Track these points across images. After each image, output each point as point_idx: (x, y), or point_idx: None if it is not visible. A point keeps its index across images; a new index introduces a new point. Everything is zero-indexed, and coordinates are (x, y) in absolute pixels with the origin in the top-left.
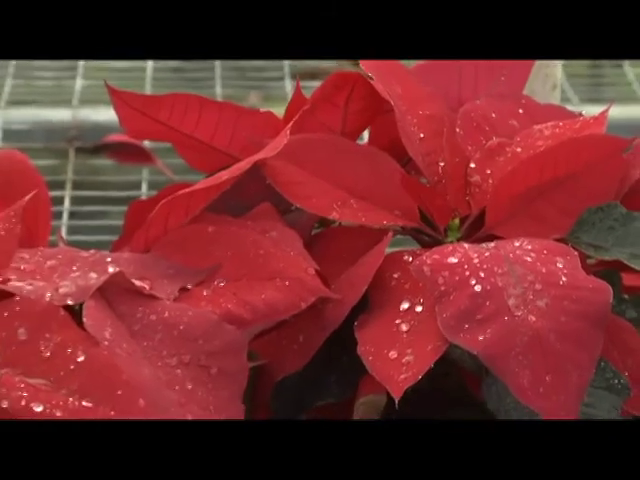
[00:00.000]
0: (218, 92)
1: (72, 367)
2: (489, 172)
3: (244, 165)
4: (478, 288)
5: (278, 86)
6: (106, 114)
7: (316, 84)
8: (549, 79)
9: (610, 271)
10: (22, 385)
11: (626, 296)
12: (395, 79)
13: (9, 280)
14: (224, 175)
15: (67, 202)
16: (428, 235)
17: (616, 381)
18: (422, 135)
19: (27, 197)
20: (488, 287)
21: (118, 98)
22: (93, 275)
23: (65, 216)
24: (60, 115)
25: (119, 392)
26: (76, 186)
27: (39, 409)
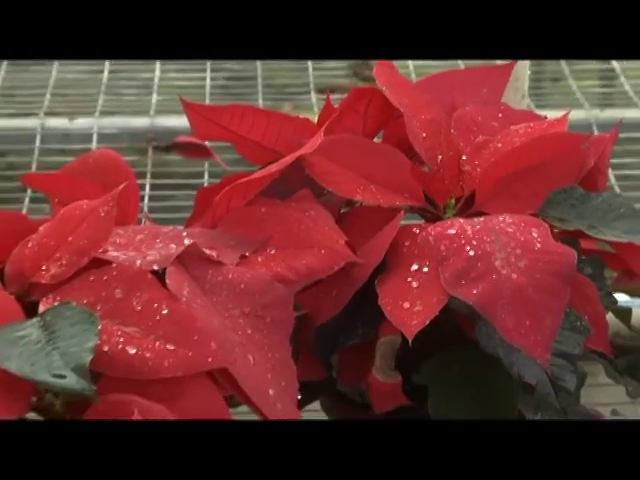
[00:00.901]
0: (260, 103)
1: (158, 318)
2: (477, 163)
3: (288, 160)
4: (472, 253)
5: (306, 98)
6: (175, 121)
7: (334, 97)
8: (519, 90)
9: (571, 238)
10: (119, 333)
11: (583, 257)
12: (403, 91)
13: (107, 251)
14: (273, 167)
15: (147, 188)
16: (430, 212)
17: (579, 323)
18: (424, 134)
19: (120, 187)
20: (479, 252)
21: (190, 108)
22: (173, 246)
23: (146, 199)
24: (141, 122)
25: (195, 337)
26: (153, 176)
27: (133, 351)
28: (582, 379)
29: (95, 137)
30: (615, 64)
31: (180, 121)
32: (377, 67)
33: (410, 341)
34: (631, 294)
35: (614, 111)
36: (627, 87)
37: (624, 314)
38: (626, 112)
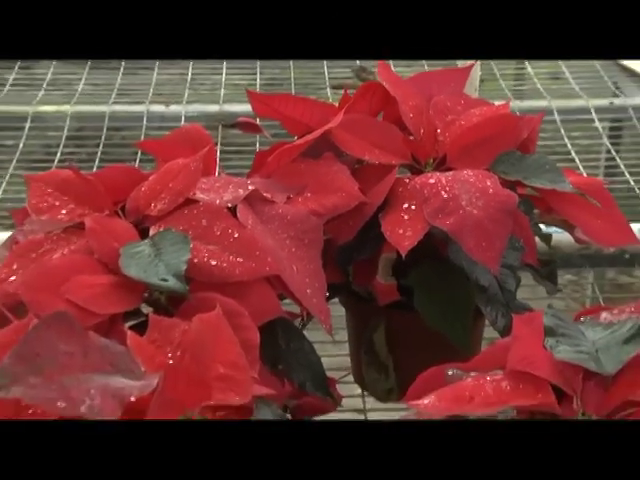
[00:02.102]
0: None
1: (231, 239)
2: (447, 134)
3: (318, 132)
4: (445, 196)
5: (324, 93)
6: (237, 107)
7: (341, 91)
8: (472, 85)
9: (512, 186)
10: (205, 250)
11: (519, 199)
12: (397, 85)
13: (196, 193)
14: (308, 137)
15: (218, 152)
16: (416, 168)
17: (517, 244)
18: (412, 115)
19: (204, 150)
20: (451, 195)
21: (253, 96)
22: (241, 190)
23: (218, 160)
24: (213, 108)
25: (257, 253)
26: (221, 145)
27: (214, 263)
28: (518, 282)
29: (183, 118)
30: (529, 68)
31: (240, 107)
32: (379, 68)
33: (403, 256)
34: (549, 224)
35: (530, 102)
36: (538, 85)
37: (545, 238)
38: (539, 102)
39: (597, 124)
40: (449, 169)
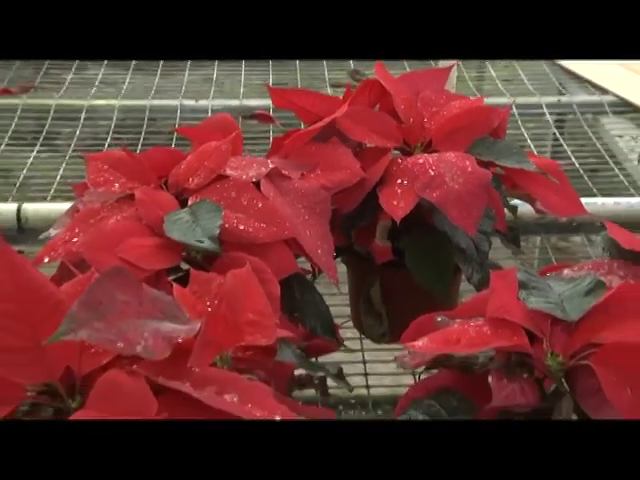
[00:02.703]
0: None
1: (256, 208)
2: (433, 123)
3: (326, 120)
4: (432, 173)
5: (324, 90)
6: (254, 102)
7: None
8: (450, 83)
9: (485, 165)
10: (234, 217)
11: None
12: (391, 82)
13: (226, 170)
14: (318, 125)
15: None
16: (407, 151)
17: (490, 213)
18: (403, 106)
19: (232, 134)
20: (436, 173)
21: (273, 91)
22: (263, 168)
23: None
24: (234, 102)
25: (277, 220)
26: (243, 132)
27: (242, 227)
28: (490, 245)
29: (210, 111)
30: (491, 71)
31: (257, 102)
32: (376, 68)
33: (397, 223)
34: (514, 197)
35: (493, 98)
36: (499, 85)
37: (512, 209)
38: (500, 99)
39: (547, 117)
40: (434, 151)
